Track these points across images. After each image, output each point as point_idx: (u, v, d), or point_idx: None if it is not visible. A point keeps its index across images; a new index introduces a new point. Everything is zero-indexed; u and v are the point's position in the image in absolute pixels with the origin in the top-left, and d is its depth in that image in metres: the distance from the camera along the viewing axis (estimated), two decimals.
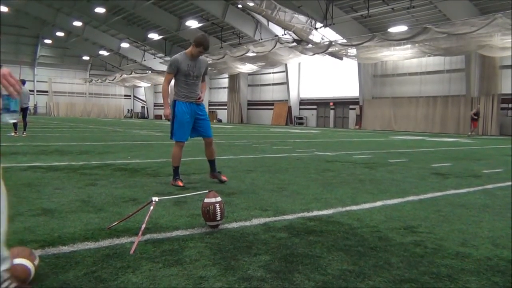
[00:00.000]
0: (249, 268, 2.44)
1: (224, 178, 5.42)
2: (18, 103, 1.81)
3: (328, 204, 4.26)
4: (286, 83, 40.00)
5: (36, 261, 2.20)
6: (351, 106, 35.18)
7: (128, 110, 66.74)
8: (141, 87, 62.43)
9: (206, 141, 5.44)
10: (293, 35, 29.69)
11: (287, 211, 3.88)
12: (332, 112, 37.18)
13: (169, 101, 5.30)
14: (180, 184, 5.11)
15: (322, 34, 29.84)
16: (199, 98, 5.27)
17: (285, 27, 28.74)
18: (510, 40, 20.45)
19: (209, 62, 34.72)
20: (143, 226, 2.96)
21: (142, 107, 65.62)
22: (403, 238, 3.13)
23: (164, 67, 48.92)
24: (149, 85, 59.28)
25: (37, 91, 59.22)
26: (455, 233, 3.28)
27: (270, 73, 42.74)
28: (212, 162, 5.48)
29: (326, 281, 2.28)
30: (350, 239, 3.06)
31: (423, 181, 5.94)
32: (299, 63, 38.34)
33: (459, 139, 19.54)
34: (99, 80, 60.51)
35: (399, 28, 25.86)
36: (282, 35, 31.72)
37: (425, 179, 6.18)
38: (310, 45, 28.93)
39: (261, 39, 34.06)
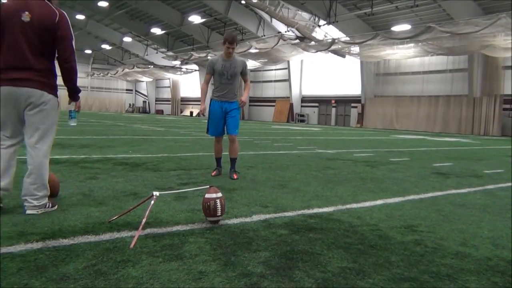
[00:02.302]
0: (249, 264, 2.45)
1: (235, 176, 5.48)
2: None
3: (328, 201, 4.26)
4: (288, 80, 39.93)
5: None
6: (353, 104, 35.11)
7: (130, 104, 66.72)
8: (143, 81, 62.35)
9: (228, 138, 5.69)
10: (296, 32, 29.61)
11: (288, 208, 3.89)
12: (333, 110, 37.13)
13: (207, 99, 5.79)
14: (212, 174, 5.66)
15: (325, 31, 29.73)
16: (242, 101, 5.54)
17: (288, 24, 28.64)
18: None
19: (209, 57, 35.02)
20: (144, 220, 2.97)
21: (144, 101, 65.60)
22: (403, 237, 3.13)
23: (167, 62, 49.08)
24: (151, 79, 59.20)
25: None
26: (455, 233, 3.28)
27: (272, 69, 42.64)
28: (232, 161, 5.66)
29: (326, 279, 2.28)
30: (351, 237, 3.06)
31: (424, 180, 5.93)
32: (302, 60, 38.24)
33: (461, 139, 19.52)
34: (101, 74, 60.39)
35: (402, 27, 25.75)
36: (285, 32, 31.62)
37: (426, 178, 6.18)
38: (313, 42, 28.85)
39: (264, 35, 33.95)
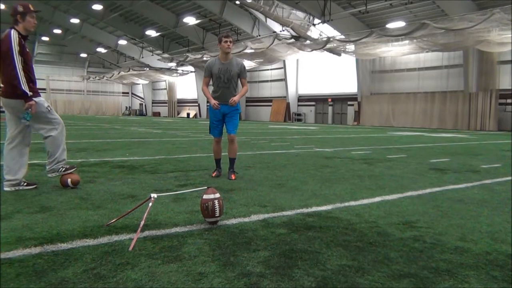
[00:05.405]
0: (248, 264, 2.44)
1: (232, 177, 5.48)
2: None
3: (327, 200, 4.26)
4: (284, 79, 39.96)
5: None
6: (349, 102, 35.18)
7: (126, 107, 66.63)
8: (139, 84, 62.27)
9: (228, 138, 5.70)
10: (291, 31, 29.64)
11: (286, 207, 3.88)
12: (330, 108, 37.17)
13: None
14: (212, 175, 5.67)
15: (320, 30, 29.76)
16: (232, 99, 5.51)
17: (283, 23, 28.66)
18: (508, 35, 20.43)
19: (205, 59, 35.00)
20: (142, 222, 2.96)
21: (140, 104, 65.52)
22: (402, 233, 3.13)
23: (162, 64, 49.00)
24: (147, 82, 59.13)
25: None
26: (454, 228, 3.29)
27: (268, 69, 42.69)
28: (230, 161, 5.67)
29: (325, 277, 2.28)
30: (349, 235, 3.06)
31: (421, 177, 5.94)
32: (297, 60, 38.27)
33: (457, 134, 19.57)
34: (97, 78, 60.26)
35: (397, 24, 25.81)
36: (280, 31, 31.62)
37: (424, 174, 6.19)
38: (308, 41, 28.87)
39: (259, 35, 33.97)
